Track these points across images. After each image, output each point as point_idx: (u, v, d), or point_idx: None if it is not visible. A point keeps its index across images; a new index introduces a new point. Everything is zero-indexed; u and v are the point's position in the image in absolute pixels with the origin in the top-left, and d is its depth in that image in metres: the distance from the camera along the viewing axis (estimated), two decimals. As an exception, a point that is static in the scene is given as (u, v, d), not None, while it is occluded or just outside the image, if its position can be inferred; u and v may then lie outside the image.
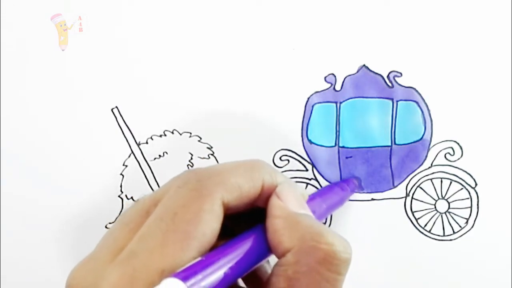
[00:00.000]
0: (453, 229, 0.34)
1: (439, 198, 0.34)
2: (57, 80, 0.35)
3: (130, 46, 0.35)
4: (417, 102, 0.34)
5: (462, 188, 0.34)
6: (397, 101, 0.34)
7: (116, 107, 0.35)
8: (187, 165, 0.35)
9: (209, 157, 0.35)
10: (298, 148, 0.35)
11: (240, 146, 0.35)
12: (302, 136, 0.35)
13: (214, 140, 0.35)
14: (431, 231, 0.34)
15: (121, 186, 0.35)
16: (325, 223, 0.35)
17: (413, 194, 0.34)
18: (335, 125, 0.34)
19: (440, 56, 0.34)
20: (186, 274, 0.20)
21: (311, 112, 0.34)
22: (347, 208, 0.35)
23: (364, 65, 0.34)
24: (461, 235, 0.34)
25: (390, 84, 0.34)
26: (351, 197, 0.34)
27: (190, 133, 0.35)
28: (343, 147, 0.34)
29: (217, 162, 0.35)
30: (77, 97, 0.35)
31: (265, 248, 0.23)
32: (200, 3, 0.35)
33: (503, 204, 0.34)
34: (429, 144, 0.34)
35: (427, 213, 0.34)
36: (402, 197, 0.35)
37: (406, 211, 0.34)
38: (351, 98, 0.34)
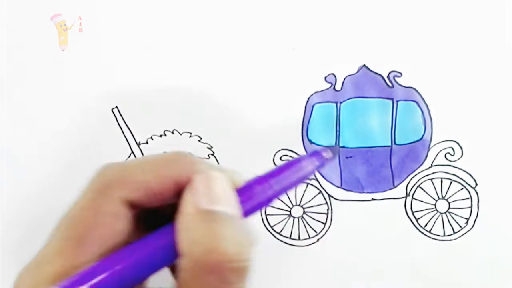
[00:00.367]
0: (453, 229, 0.34)
1: (439, 198, 0.34)
2: (57, 80, 0.35)
3: (130, 46, 0.35)
4: (417, 102, 0.34)
5: (462, 188, 0.34)
6: (397, 101, 0.34)
7: (116, 107, 0.35)
8: (187, 165, 0.35)
9: (209, 157, 0.35)
10: (298, 148, 0.35)
11: (240, 146, 0.35)
12: (302, 136, 0.35)
13: (214, 140, 0.35)
14: (431, 231, 0.34)
15: (121, 186, 0.35)
16: (324, 223, 0.35)
17: (413, 194, 0.34)
18: (335, 125, 0.34)
19: (440, 56, 0.34)
20: (69, 284, 0.20)
21: (311, 112, 0.34)
22: (347, 208, 0.35)
23: (364, 65, 0.34)
24: (461, 235, 0.34)
25: (390, 84, 0.34)
26: (351, 197, 0.34)
27: (190, 133, 0.35)
28: (343, 147, 0.34)
29: (217, 162, 0.35)
30: (77, 97, 0.35)
31: (172, 249, 0.21)
32: (200, 3, 0.35)
33: (503, 204, 0.34)
34: (429, 144, 0.34)
35: (427, 213, 0.34)
36: (402, 197, 0.35)
37: (406, 211, 0.34)
38: (351, 98, 0.34)
